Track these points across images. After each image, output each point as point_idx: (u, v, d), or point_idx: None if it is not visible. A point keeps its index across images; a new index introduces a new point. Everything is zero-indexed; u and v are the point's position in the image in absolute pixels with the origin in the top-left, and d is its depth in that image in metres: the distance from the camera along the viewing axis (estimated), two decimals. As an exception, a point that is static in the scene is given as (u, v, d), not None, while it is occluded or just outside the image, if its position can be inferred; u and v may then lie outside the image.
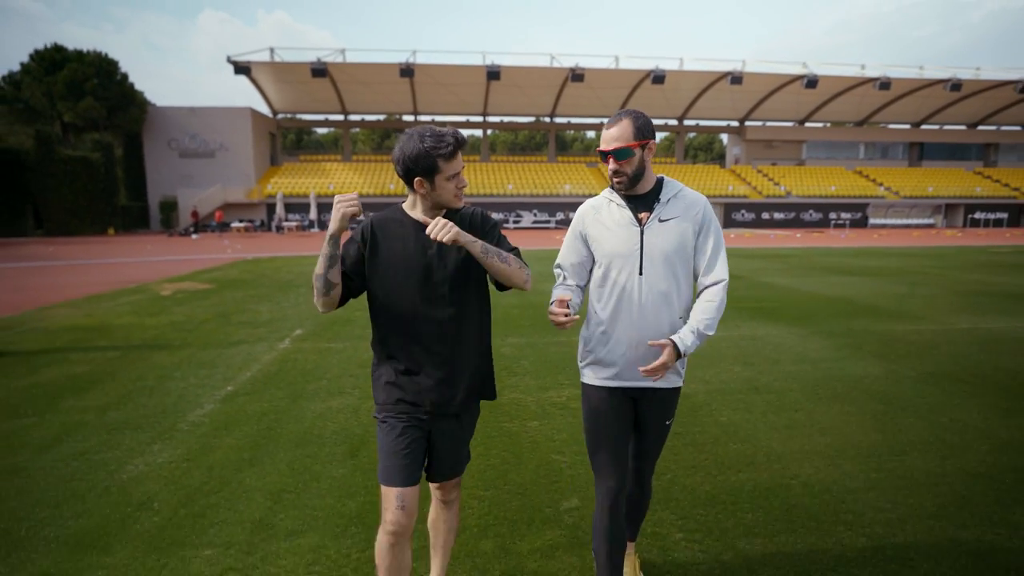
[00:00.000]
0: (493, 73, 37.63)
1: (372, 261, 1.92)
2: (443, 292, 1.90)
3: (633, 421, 2.09)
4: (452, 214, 1.97)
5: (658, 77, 38.89)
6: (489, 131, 52.38)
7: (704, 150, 65.99)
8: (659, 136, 72.20)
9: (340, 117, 46.11)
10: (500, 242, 1.98)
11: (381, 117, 50.22)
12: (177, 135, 39.69)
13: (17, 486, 3.23)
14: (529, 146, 61.85)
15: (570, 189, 41.46)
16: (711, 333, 1.94)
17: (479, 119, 47.39)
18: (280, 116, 45.87)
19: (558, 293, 2.03)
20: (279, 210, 35.90)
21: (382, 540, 1.90)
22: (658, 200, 1.99)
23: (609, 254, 1.99)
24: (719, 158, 62.74)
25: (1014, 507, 2.93)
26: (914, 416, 4.20)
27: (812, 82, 40.25)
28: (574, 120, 49.24)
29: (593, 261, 2.07)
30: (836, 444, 3.72)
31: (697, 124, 50.71)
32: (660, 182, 2.03)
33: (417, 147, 1.82)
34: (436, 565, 2.25)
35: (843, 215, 42.89)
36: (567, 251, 2.11)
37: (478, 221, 2.00)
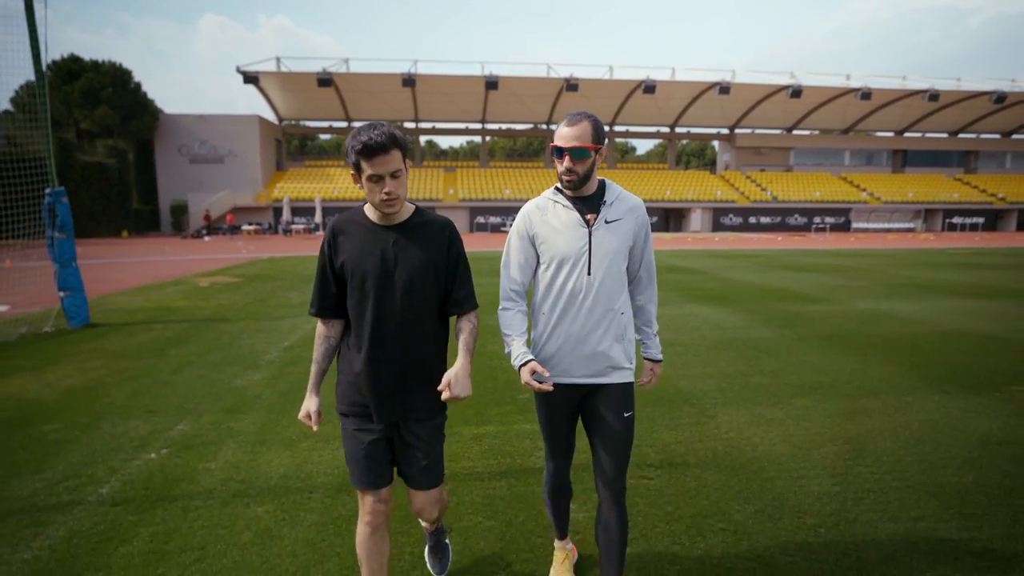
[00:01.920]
0: (491, 83, 39.50)
1: (335, 265, 1.93)
2: (398, 297, 1.88)
3: (579, 407, 2.15)
4: (417, 217, 1.95)
5: (649, 87, 40.76)
6: (488, 137, 54.19)
7: (697, 156, 68.00)
8: (652, 143, 74.06)
9: (344, 124, 47.93)
10: (464, 271, 2.00)
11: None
12: (187, 141, 41.50)
13: (170, 391, 4.97)
14: (527, 151, 63.75)
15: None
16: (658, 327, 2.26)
17: (478, 126, 49.28)
18: (285, 123, 47.70)
19: (520, 354, 2.00)
20: (286, 213, 37.64)
21: (361, 531, 1.97)
22: (603, 202, 2.05)
23: (558, 255, 2.03)
24: (711, 164, 64.62)
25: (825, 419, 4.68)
26: (774, 358, 5.97)
27: (797, 92, 42.15)
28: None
29: (538, 262, 2.11)
30: (713, 372, 5.47)
31: (688, 132, 52.61)
32: (603, 184, 2.09)
33: (349, 141, 1.81)
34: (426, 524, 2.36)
35: (827, 219, 44.71)
36: (514, 256, 2.12)
37: (447, 238, 1.96)
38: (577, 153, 1.95)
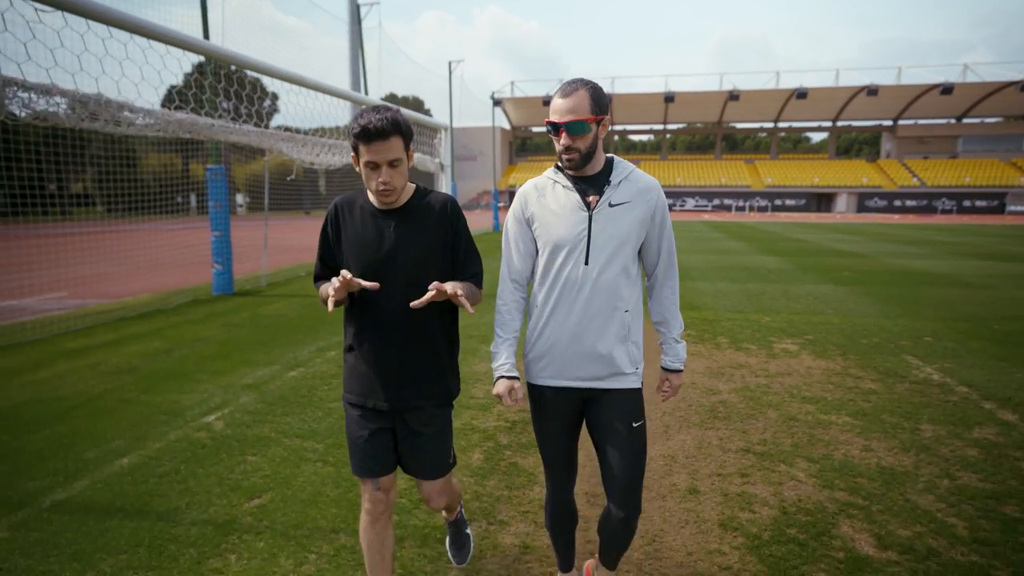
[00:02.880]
0: (669, 98, 52.42)
1: (338, 245, 1.88)
2: (402, 283, 1.79)
3: (582, 418, 1.93)
4: (417, 198, 1.86)
5: (801, 94, 50.10)
6: (668, 135, 66.62)
7: (870, 144, 71.98)
8: (816, 137, 79.03)
9: (557, 129, 64.43)
10: (468, 251, 1.90)
11: (585, 127, 67.67)
12: (454, 145, 61.38)
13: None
14: (704, 144, 74.20)
15: (725, 181, 54.51)
16: (682, 329, 1.93)
17: (660, 127, 62.20)
18: (516, 129, 65.66)
19: (501, 365, 1.87)
20: (519, 196, 55.30)
21: (363, 520, 1.94)
22: (608, 182, 1.80)
23: (553, 241, 1.81)
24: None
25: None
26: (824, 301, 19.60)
27: (947, 89, 47.91)
28: (739, 125, 61.49)
29: (536, 248, 1.88)
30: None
31: (850, 124, 59.44)
32: (610, 162, 1.84)
33: (350, 122, 1.75)
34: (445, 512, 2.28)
35: (977, 202, 49.44)
36: (512, 242, 1.91)
37: (448, 217, 1.86)
38: (574, 128, 1.71)
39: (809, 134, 76.20)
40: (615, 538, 1.95)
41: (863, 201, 51.47)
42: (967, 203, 49.68)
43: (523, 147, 78.85)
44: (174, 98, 7.82)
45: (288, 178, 11.54)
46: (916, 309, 7.80)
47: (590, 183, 1.82)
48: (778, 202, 52.23)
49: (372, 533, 1.92)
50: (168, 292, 9.30)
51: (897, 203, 50.88)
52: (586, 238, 1.78)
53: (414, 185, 1.90)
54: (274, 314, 7.67)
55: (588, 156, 1.77)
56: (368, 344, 1.86)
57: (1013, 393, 4.48)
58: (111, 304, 8.38)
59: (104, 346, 6.02)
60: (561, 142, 1.76)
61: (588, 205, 1.79)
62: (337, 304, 1.67)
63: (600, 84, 1.77)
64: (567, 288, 1.81)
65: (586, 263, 1.79)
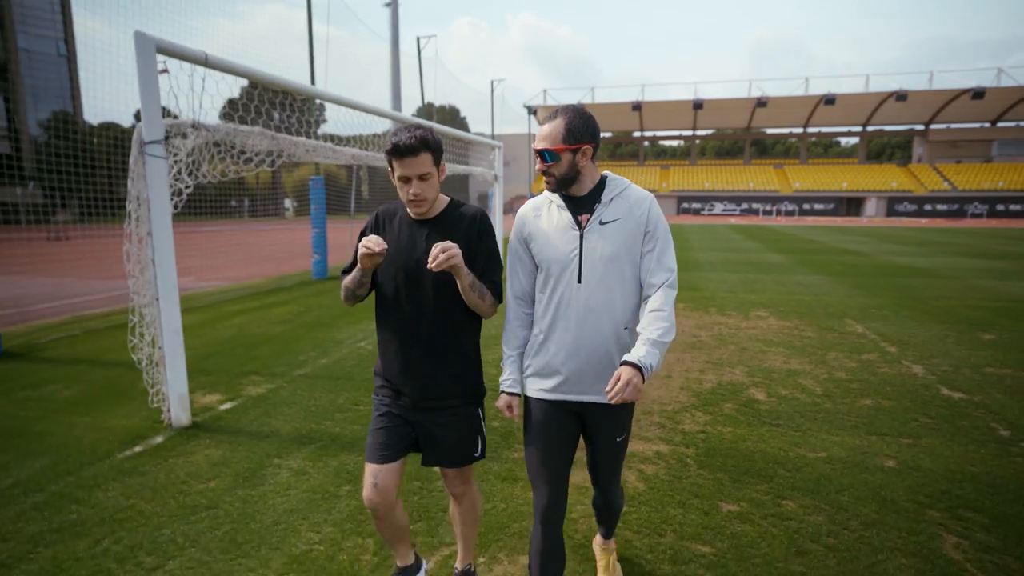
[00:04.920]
0: (698, 104, 53.85)
1: None
2: (429, 289, 1.92)
3: (577, 437, 1.98)
4: (450, 210, 1.99)
5: (829, 100, 50.98)
6: (698, 141, 67.86)
7: (902, 148, 71.80)
8: (847, 142, 78.82)
9: (587, 136, 66.29)
10: (489, 260, 1.98)
11: (609, 134, 69.23)
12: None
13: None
14: (734, 150, 75.09)
15: (754, 186, 55.60)
16: (669, 339, 1.76)
17: (689, 133, 63.55)
18: (548, 136, 67.86)
19: (506, 380, 2.00)
20: (550, 200, 57.33)
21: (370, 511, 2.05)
22: (599, 201, 1.85)
23: (548, 260, 1.88)
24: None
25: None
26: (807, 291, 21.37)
27: (979, 94, 48.19)
28: (768, 131, 62.41)
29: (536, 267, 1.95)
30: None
31: (881, 129, 59.78)
32: (603, 181, 1.90)
33: (385, 141, 1.83)
34: (459, 552, 2.30)
35: (1011, 206, 49.46)
36: (514, 261, 2.00)
37: (475, 228, 1.97)
38: (546, 156, 1.80)
39: (840, 138, 76.46)
40: (605, 515, 2.26)
41: (892, 205, 51.94)
42: (1000, 207, 49.73)
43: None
44: (232, 111, 9.61)
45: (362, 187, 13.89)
46: (879, 292, 9.60)
47: (582, 202, 1.87)
48: (806, 206, 53.05)
49: (379, 525, 2.06)
50: (276, 276, 11.71)
51: (927, 207, 51.20)
52: (578, 257, 1.83)
53: (448, 198, 2.03)
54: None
55: (564, 181, 1.84)
56: (397, 343, 1.97)
57: (906, 338, 6.38)
58: (237, 284, 10.79)
59: (258, 309, 8.34)
60: (539, 167, 1.86)
61: (579, 224, 1.84)
62: (372, 265, 1.85)
63: (585, 110, 1.82)
64: (562, 306, 1.86)
65: (579, 281, 1.82)
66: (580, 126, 1.78)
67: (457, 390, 2.01)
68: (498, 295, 1.98)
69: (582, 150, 1.80)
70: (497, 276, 1.99)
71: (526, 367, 1.98)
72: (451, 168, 13.06)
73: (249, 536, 2.70)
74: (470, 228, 1.96)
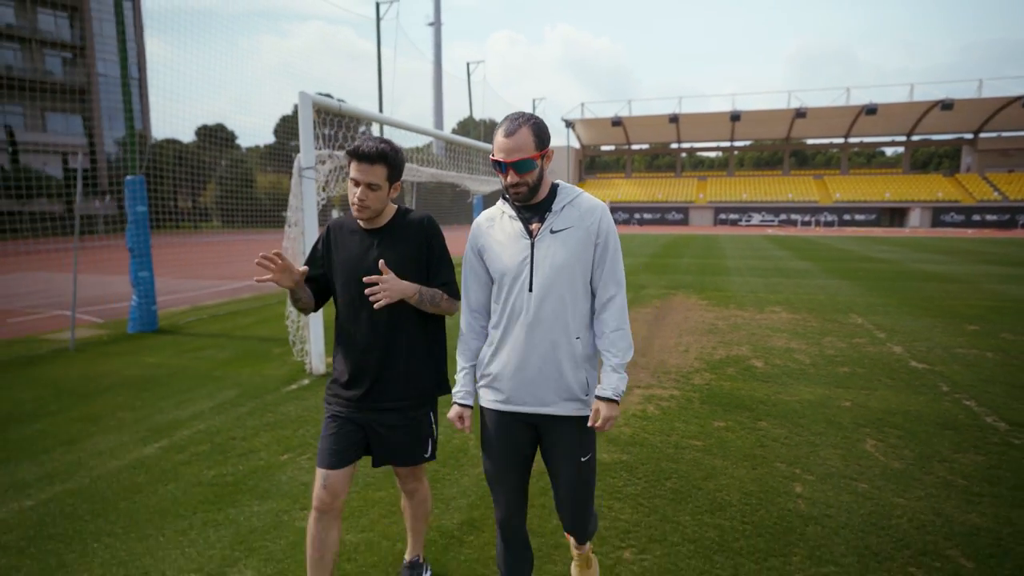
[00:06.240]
0: (735, 116, 54.31)
1: (327, 258, 2.11)
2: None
3: (534, 449, 1.97)
4: (398, 218, 2.08)
5: (871, 110, 50.76)
6: (735, 152, 68.06)
7: (950, 157, 70.18)
8: (894, 152, 77.48)
9: (625, 146, 67.26)
10: (440, 262, 2.08)
11: (646, 145, 70.01)
12: (526, 165, 65.39)
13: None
14: (773, 160, 74.80)
15: (792, 196, 55.52)
16: (630, 357, 1.85)
17: (727, 144, 63.86)
18: (585, 148, 69.07)
19: (457, 392, 2.00)
20: (588, 211, 58.28)
21: (311, 514, 2.03)
22: (550, 210, 1.85)
23: (500, 270, 1.88)
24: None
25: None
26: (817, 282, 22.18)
27: (1029, 102, 47.23)
28: (809, 141, 62.24)
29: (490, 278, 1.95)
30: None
31: (926, 139, 58.89)
32: (554, 189, 1.90)
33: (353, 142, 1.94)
34: (409, 544, 2.41)
35: (1065, 217, 48.09)
36: (468, 273, 1.99)
37: (424, 233, 2.06)
38: (521, 166, 1.77)
39: (884, 148, 75.30)
40: (577, 536, 2.10)
41: (938, 216, 51.12)
42: (1053, 217, 48.44)
43: (592, 165, 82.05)
44: (282, 127, 10.48)
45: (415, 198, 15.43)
46: (889, 293, 10.52)
47: (534, 211, 1.86)
48: (847, 217, 52.67)
49: (317, 528, 2.00)
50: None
51: (976, 217, 50.21)
52: (529, 265, 1.82)
53: (396, 207, 2.10)
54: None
55: (535, 189, 1.83)
56: (350, 347, 2.05)
57: (898, 327, 7.42)
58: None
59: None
60: (508, 179, 1.80)
61: (530, 233, 1.84)
62: (291, 283, 1.96)
63: (538, 116, 1.83)
64: (514, 315, 1.85)
65: (530, 290, 1.82)
66: (543, 132, 1.82)
67: (407, 393, 2.06)
68: (454, 294, 2.09)
69: (547, 155, 1.84)
70: (449, 276, 2.09)
71: (480, 377, 1.98)
72: (492, 183, 14.41)
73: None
74: (419, 233, 2.06)
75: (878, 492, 3.14)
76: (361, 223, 2.07)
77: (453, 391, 2.03)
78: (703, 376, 5.37)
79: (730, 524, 2.85)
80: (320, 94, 5.40)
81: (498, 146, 1.78)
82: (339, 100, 5.52)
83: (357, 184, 1.95)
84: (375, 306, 1.89)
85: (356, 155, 1.93)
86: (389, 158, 1.96)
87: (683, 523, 2.87)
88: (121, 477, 3.41)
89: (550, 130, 1.85)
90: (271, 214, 12.25)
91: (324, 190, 5.65)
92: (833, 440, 3.87)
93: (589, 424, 1.81)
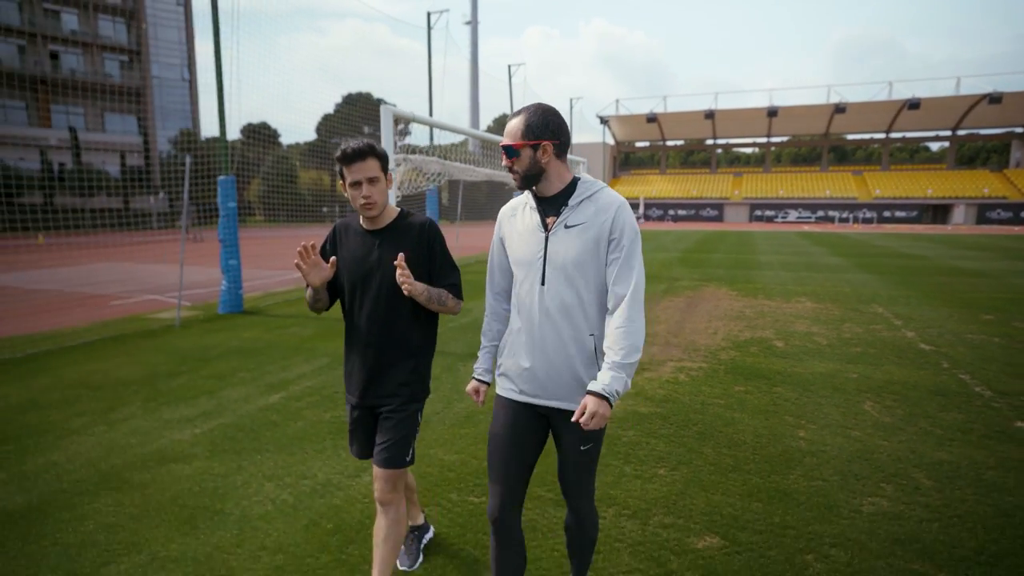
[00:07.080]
0: (772, 112, 53.83)
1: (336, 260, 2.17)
2: (380, 296, 2.11)
3: (543, 440, 2.00)
4: (400, 219, 2.17)
5: (914, 105, 49.72)
6: (773, 148, 67.28)
7: (999, 152, 67.92)
8: (939, 147, 75.31)
9: (660, 143, 67.15)
10: (443, 264, 2.17)
11: (681, 142, 69.71)
12: (560, 161, 65.94)
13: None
14: (811, 156, 73.62)
15: (830, 193, 54.78)
16: (634, 359, 1.74)
17: (764, 140, 63.22)
18: (620, 144, 69.23)
19: (476, 368, 2.10)
20: (621, 207, 58.67)
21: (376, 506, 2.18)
22: (566, 204, 1.85)
23: (516, 261, 1.93)
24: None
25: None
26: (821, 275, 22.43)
27: (1082, 96, 45.61)
28: (849, 136, 61.18)
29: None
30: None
31: (974, 133, 57.27)
32: (574, 183, 1.88)
33: (336, 154, 2.05)
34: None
35: (1120, 214, 46.31)
36: (492, 261, 2.08)
37: (426, 236, 2.15)
38: (508, 151, 1.82)
39: (928, 143, 73.26)
40: (576, 542, 2.09)
41: (983, 212, 49.79)
42: (1108, 214, 46.71)
43: (626, 161, 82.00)
44: (324, 125, 10.98)
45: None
46: (915, 287, 10.95)
47: (551, 204, 1.86)
48: (887, 214, 51.74)
49: (378, 521, 2.17)
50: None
51: None
52: (542, 259, 1.83)
53: (398, 208, 2.22)
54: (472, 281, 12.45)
55: (528, 178, 1.84)
56: (355, 345, 2.18)
57: (916, 316, 7.98)
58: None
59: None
60: (503, 163, 1.86)
61: (546, 226, 1.84)
62: (321, 281, 2.10)
63: (550, 108, 1.83)
64: (527, 307, 1.88)
65: (542, 284, 1.83)
66: (539, 122, 1.79)
67: (403, 388, 2.17)
68: (458, 294, 2.19)
69: (542, 146, 1.80)
70: (454, 278, 2.17)
71: (498, 365, 2.03)
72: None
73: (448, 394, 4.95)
74: (420, 236, 2.14)
75: (867, 437, 3.87)
76: (364, 224, 2.17)
77: (474, 366, 2.12)
78: (728, 353, 6.10)
79: (743, 455, 3.62)
80: (386, 104, 6.32)
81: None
82: (409, 112, 6.43)
83: (358, 185, 2.04)
84: (403, 289, 1.99)
85: (348, 158, 2.02)
86: (376, 150, 2.07)
87: (706, 453, 3.66)
88: (259, 416, 4.37)
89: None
90: (313, 209, 12.87)
91: (400, 189, 6.56)
92: (837, 401, 4.58)
93: (573, 419, 1.72)
